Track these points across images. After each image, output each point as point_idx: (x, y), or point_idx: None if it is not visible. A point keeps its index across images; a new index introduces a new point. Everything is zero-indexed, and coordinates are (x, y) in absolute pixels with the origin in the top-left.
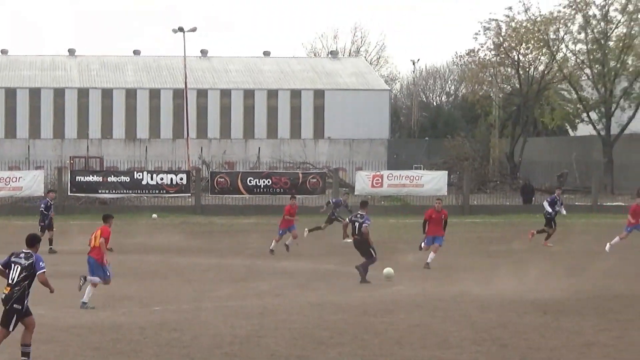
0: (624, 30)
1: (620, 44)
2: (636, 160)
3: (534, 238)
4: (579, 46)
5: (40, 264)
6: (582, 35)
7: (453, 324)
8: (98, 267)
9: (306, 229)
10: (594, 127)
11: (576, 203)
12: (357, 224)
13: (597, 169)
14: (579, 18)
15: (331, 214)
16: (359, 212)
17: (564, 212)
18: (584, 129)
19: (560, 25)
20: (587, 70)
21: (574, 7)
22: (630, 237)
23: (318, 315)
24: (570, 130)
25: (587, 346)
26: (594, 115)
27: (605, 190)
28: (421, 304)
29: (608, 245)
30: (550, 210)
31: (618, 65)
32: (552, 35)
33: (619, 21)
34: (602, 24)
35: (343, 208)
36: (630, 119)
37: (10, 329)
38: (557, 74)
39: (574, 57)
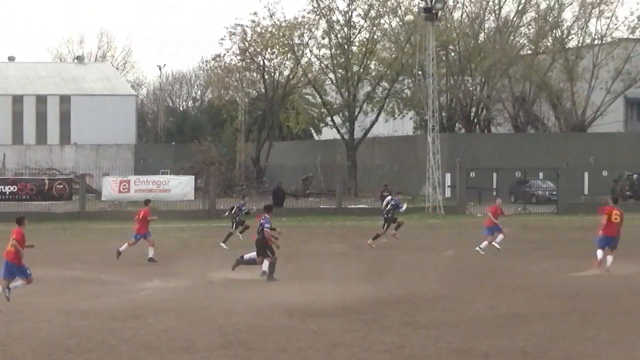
0: (367, 36)
1: (363, 49)
2: (379, 163)
3: (397, 236)
4: (323, 51)
5: None
6: (326, 40)
7: (200, 328)
8: (16, 269)
9: (227, 239)
10: (338, 131)
11: (321, 206)
12: (256, 225)
13: (341, 172)
14: (323, 23)
15: (233, 217)
16: (264, 215)
17: (404, 208)
18: (329, 133)
19: (305, 31)
20: (331, 75)
21: (318, 12)
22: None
23: (65, 322)
24: (315, 134)
25: (332, 347)
26: (338, 119)
27: (350, 192)
28: (168, 309)
29: (479, 248)
30: (394, 210)
31: (361, 70)
32: (296, 40)
33: (362, 26)
34: (346, 29)
35: (242, 211)
36: (373, 122)
37: None
38: (302, 79)
39: (318, 61)
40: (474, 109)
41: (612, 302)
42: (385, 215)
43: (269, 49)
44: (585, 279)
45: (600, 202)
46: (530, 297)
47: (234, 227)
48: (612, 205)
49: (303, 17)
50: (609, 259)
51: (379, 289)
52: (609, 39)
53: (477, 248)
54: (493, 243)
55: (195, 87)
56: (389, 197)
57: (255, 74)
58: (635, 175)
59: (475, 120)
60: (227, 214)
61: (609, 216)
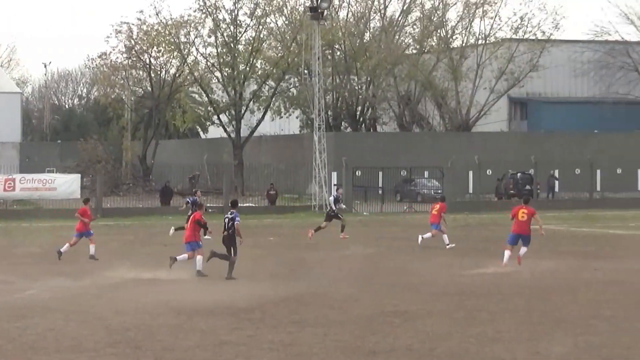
0: (253, 34)
1: (250, 48)
2: (266, 161)
3: (314, 236)
4: (210, 49)
5: None
6: (213, 39)
7: (88, 328)
8: None
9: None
10: (225, 130)
11: (208, 204)
12: (227, 220)
13: (227, 170)
14: (209, 22)
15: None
16: (231, 210)
17: (344, 206)
18: (215, 132)
19: (191, 29)
20: (218, 73)
21: (204, 11)
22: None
23: None
24: (201, 133)
25: (220, 345)
26: (224, 117)
27: (236, 191)
28: (55, 309)
29: (420, 238)
30: (334, 207)
31: (247, 69)
32: (183, 39)
33: (248, 25)
34: (232, 27)
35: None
36: (260, 121)
37: None
38: (189, 77)
39: (205, 60)
40: (359, 108)
41: (496, 299)
42: (331, 213)
43: (155, 47)
44: (470, 277)
45: (484, 201)
46: (416, 294)
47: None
48: (523, 204)
49: (189, 15)
50: (522, 250)
51: (267, 288)
52: (492, 39)
53: (448, 246)
54: (424, 236)
55: (81, 85)
56: (333, 195)
57: (141, 72)
58: (519, 174)
59: (361, 119)
60: (183, 207)
61: (515, 215)
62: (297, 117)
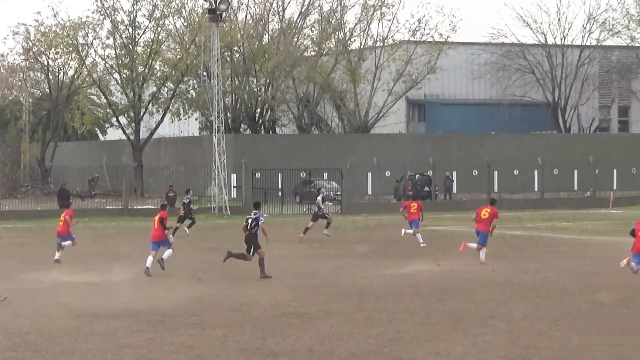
0: (152, 36)
1: (148, 50)
2: (165, 163)
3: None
4: (108, 51)
5: None
6: (111, 41)
7: None
8: None
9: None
10: (124, 132)
11: (107, 207)
12: (250, 220)
13: (127, 172)
14: (108, 23)
15: (187, 212)
16: (254, 210)
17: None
18: (114, 134)
19: (89, 31)
20: (117, 75)
21: (102, 12)
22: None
23: None
24: (100, 135)
25: (120, 348)
26: (123, 119)
27: (136, 193)
28: None
29: (404, 231)
30: (322, 206)
31: (146, 71)
32: (81, 40)
33: (147, 27)
34: (130, 29)
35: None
36: (159, 123)
37: None
38: (87, 79)
39: (103, 62)
40: (258, 110)
41: (395, 300)
42: (319, 213)
43: (53, 49)
44: (370, 278)
45: (383, 202)
46: (316, 296)
47: (182, 221)
48: (489, 205)
49: (87, 17)
50: (481, 252)
51: (168, 290)
52: (390, 41)
53: (421, 245)
54: (406, 231)
55: None
56: (320, 196)
57: (39, 74)
58: (417, 176)
59: (260, 121)
60: (184, 210)
61: (478, 213)
62: (196, 119)
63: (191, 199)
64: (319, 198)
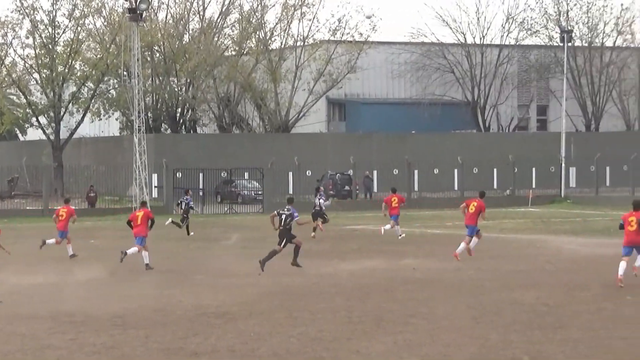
0: (72, 36)
1: (68, 49)
2: (86, 163)
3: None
4: (28, 51)
5: None
6: (31, 40)
7: None
8: None
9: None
10: (44, 132)
11: (27, 207)
12: (283, 216)
13: (47, 173)
14: (27, 23)
15: (185, 213)
16: (287, 206)
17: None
18: (34, 134)
19: (8, 30)
20: (36, 75)
21: (21, 12)
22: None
23: None
24: (20, 135)
25: (41, 349)
26: (43, 119)
27: (57, 194)
28: None
29: (382, 229)
30: (323, 206)
31: (66, 70)
32: (0, 40)
33: (67, 26)
34: (50, 29)
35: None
36: (79, 123)
37: None
38: (6, 79)
39: (23, 61)
40: (179, 110)
41: (318, 299)
42: (320, 212)
43: None
44: (291, 277)
45: (304, 201)
46: (238, 295)
47: (182, 222)
48: (477, 198)
49: (7, 16)
50: (472, 242)
51: (89, 291)
52: (311, 41)
53: (400, 237)
54: (385, 228)
55: None
56: (322, 198)
57: None
58: (338, 175)
59: (181, 121)
60: (181, 209)
61: (467, 207)
62: (117, 119)
63: (191, 199)
64: (321, 200)
